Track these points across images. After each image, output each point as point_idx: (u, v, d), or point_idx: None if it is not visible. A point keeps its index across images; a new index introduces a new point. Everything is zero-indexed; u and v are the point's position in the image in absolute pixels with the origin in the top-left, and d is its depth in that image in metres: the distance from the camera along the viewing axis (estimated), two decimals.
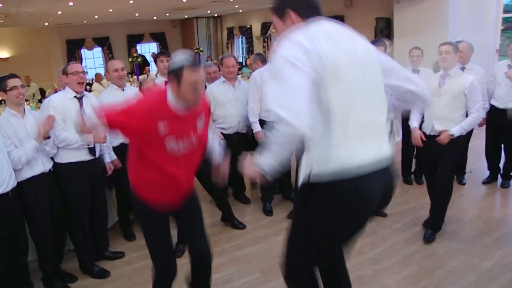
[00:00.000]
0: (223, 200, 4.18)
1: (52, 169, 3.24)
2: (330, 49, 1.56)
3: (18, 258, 3.05)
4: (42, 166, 3.13)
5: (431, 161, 3.74)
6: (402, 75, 1.87)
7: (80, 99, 3.33)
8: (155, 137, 2.17)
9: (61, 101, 3.26)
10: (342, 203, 1.66)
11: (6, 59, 14.18)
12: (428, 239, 3.69)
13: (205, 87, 2.30)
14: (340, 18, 10.65)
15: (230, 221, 4.19)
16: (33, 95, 11.07)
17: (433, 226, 3.75)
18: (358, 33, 1.76)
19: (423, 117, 3.76)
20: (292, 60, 1.52)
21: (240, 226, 4.14)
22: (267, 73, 1.64)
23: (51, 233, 3.20)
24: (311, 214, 1.77)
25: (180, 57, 2.15)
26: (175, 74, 2.11)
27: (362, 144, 1.64)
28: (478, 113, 3.54)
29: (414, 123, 3.80)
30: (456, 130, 3.52)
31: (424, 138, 3.68)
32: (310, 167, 1.69)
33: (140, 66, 12.60)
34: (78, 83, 3.29)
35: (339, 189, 1.64)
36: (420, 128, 3.75)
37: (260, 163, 1.61)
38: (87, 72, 5.02)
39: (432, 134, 3.64)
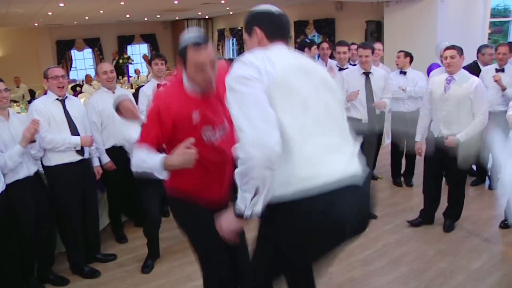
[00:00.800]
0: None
1: (37, 172, 3.24)
2: (281, 65, 1.57)
3: (10, 261, 3.02)
4: (27, 170, 3.11)
5: (438, 163, 3.83)
6: None
7: (62, 102, 3.34)
8: (189, 128, 2.03)
9: (44, 105, 3.26)
10: (308, 221, 1.53)
11: None
12: (448, 228, 3.90)
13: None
14: (330, 21, 10.74)
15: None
16: (23, 97, 10.98)
17: (453, 217, 3.94)
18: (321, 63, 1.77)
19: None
20: (243, 78, 1.53)
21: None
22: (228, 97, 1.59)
23: (37, 236, 3.19)
24: (274, 234, 1.66)
25: (185, 36, 2.00)
26: (181, 56, 1.98)
27: (326, 162, 1.56)
28: (483, 117, 3.59)
29: (418, 136, 3.97)
30: (462, 136, 3.60)
31: (422, 153, 3.91)
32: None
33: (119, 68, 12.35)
34: (58, 87, 3.29)
35: (305, 207, 1.53)
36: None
37: (240, 210, 1.58)
38: (68, 77, 4.99)
39: (440, 136, 3.72)
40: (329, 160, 1.56)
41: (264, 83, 1.51)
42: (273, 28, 1.69)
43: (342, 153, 1.61)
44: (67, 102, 3.36)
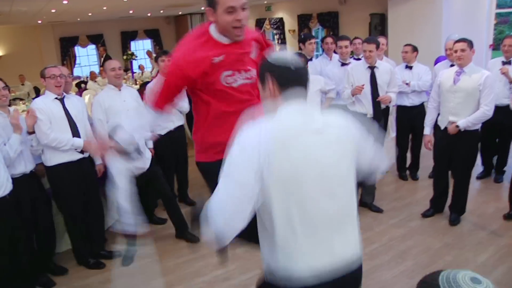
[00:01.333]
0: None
1: (33, 171, 3.29)
2: (285, 162, 1.43)
3: (19, 259, 3.07)
4: (24, 167, 3.17)
5: (446, 154, 3.83)
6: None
7: (61, 100, 3.37)
8: (209, 71, 1.94)
9: (45, 103, 3.30)
10: None
11: None
12: (454, 221, 3.92)
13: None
14: (334, 14, 10.69)
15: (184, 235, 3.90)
16: (28, 94, 11.02)
17: (458, 210, 3.95)
18: (333, 116, 1.60)
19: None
20: (237, 172, 1.43)
21: (193, 239, 3.80)
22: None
23: (32, 235, 3.26)
24: None
25: None
26: (210, 3, 1.89)
27: (313, 249, 1.48)
28: (487, 108, 3.56)
29: (427, 129, 3.95)
30: (462, 123, 3.60)
31: (431, 146, 3.89)
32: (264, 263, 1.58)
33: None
34: (56, 86, 3.32)
35: None
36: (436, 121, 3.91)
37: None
38: (72, 74, 5.00)
39: (447, 127, 3.72)
40: (316, 254, 1.49)
41: (257, 177, 1.42)
42: (288, 84, 1.53)
43: (335, 242, 1.52)
44: (66, 101, 3.40)
